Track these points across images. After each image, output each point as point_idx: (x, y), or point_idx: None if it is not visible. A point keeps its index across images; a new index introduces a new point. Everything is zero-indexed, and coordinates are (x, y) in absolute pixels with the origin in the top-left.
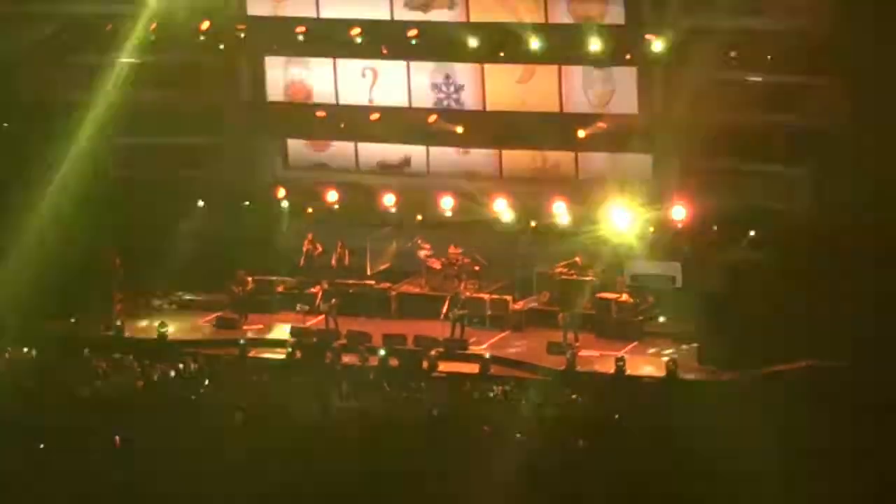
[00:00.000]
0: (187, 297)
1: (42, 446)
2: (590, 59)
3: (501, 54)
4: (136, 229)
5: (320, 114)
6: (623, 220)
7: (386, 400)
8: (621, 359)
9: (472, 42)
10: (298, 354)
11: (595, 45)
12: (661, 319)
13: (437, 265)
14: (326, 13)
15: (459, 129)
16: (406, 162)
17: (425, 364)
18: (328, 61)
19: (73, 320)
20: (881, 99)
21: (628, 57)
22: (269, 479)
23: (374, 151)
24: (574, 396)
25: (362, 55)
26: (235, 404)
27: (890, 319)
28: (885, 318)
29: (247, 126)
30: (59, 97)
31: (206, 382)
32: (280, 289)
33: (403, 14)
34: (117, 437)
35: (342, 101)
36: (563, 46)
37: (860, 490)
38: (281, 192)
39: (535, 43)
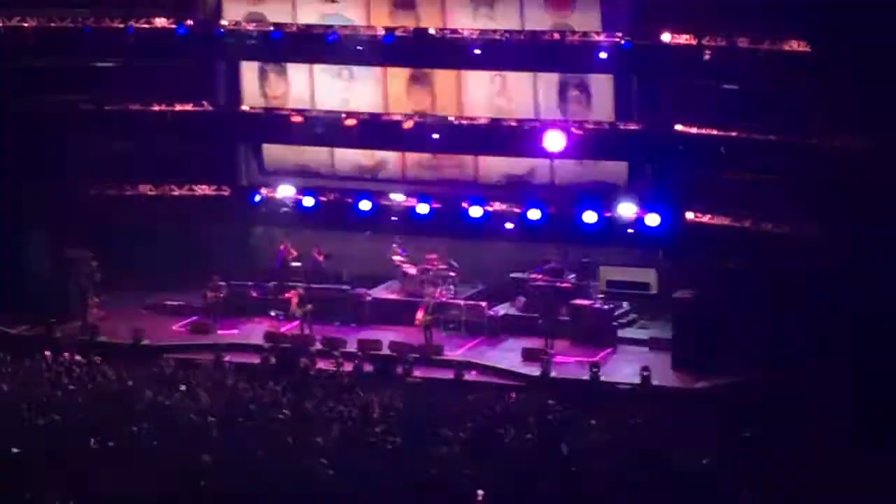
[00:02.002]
0: (162, 302)
1: None
2: (566, 66)
3: (477, 57)
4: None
5: (296, 119)
6: (599, 227)
7: None
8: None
9: (448, 48)
10: (273, 360)
11: (571, 52)
12: (636, 326)
13: (412, 271)
14: (303, 18)
15: (435, 136)
16: (381, 166)
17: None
18: (304, 67)
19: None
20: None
21: (604, 63)
22: None
23: (350, 156)
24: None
25: (339, 60)
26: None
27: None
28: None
29: (222, 131)
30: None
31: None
32: (254, 294)
33: (381, 19)
34: None
35: (318, 107)
36: (539, 53)
37: None
38: (257, 197)
39: (510, 49)
